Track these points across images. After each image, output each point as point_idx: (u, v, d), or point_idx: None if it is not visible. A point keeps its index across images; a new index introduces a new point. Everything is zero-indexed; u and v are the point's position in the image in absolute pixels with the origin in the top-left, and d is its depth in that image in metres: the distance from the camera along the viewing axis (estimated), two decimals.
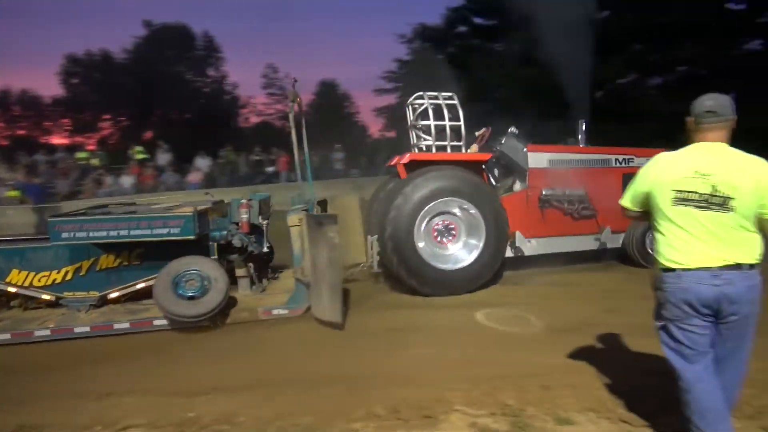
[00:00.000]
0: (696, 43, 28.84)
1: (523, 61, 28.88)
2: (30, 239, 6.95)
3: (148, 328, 6.05)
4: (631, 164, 8.25)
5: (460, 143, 7.68)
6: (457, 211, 7.17)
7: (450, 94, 7.83)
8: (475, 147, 8.23)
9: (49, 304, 6.51)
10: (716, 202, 2.48)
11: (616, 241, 8.10)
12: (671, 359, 2.68)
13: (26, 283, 6.40)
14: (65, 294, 6.47)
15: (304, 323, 5.79)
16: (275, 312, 6.37)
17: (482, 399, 3.70)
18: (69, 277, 6.47)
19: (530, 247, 7.71)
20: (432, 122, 7.60)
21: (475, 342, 4.99)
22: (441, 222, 7.15)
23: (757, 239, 2.55)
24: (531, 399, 3.65)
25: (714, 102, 2.57)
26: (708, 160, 2.54)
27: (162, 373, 4.65)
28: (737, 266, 2.49)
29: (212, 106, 39.39)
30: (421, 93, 7.89)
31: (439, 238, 7.18)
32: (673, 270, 2.58)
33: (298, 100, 7.20)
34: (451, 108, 7.71)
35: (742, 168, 2.50)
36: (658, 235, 2.68)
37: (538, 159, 7.88)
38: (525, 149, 7.87)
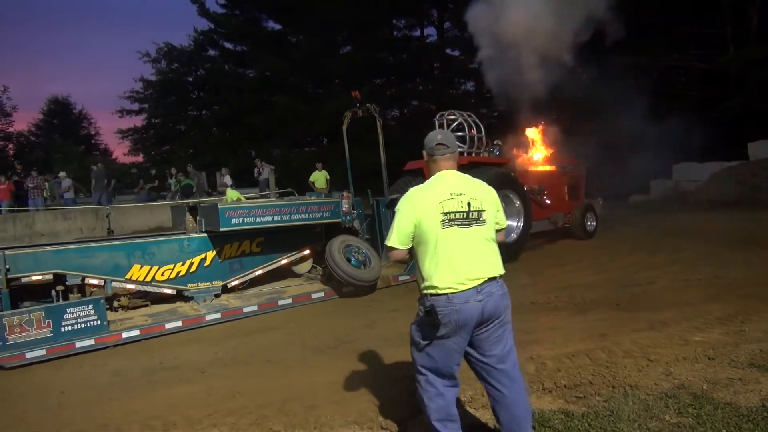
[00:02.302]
0: (423, 80, 32.99)
1: (276, 88, 29.50)
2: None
3: (307, 302, 7.14)
4: (566, 168, 11.99)
5: (481, 150, 10.14)
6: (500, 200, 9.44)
7: (470, 113, 10.29)
8: (486, 154, 10.37)
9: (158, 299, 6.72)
10: (474, 216, 2.75)
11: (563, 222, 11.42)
12: (426, 373, 2.81)
13: (148, 278, 6.38)
14: (189, 286, 6.68)
15: (56, 371, 4.98)
16: (401, 278, 8.12)
17: (250, 430, 3.61)
18: (194, 268, 6.66)
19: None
20: (467, 133, 9.87)
21: (239, 373, 4.85)
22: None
23: (498, 250, 2.85)
24: (297, 421, 3.67)
25: (443, 136, 2.91)
26: (456, 183, 2.82)
27: None
28: (494, 279, 2.74)
29: None
30: (452, 110, 10.19)
31: None
32: (444, 294, 2.67)
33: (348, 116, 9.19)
34: (475, 122, 10.06)
35: (481, 186, 2.89)
36: (428, 263, 2.73)
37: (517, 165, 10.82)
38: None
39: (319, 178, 16.45)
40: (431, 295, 2.71)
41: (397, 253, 2.84)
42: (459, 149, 10.08)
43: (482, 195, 2.83)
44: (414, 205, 2.77)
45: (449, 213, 2.71)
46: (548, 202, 11.13)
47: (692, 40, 20.92)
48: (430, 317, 2.69)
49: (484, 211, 2.78)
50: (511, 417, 2.80)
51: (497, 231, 2.89)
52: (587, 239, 11.38)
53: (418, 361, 2.84)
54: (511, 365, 2.81)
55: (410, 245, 2.81)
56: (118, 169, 29.34)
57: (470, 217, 2.74)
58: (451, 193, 2.75)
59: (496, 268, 2.77)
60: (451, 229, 2.70)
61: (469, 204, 2.75)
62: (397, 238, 2.78)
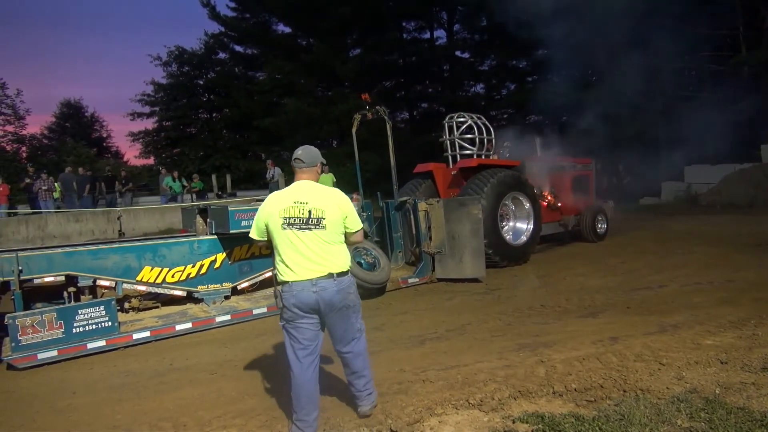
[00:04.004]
0: (433, 83, 32.97)
1: (286, 91, 29.59)
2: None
3: None
4: (576, 169, 11.94)
5: (490, 152, 10.21)
6: (509, 202, 9.47)
7: (479, 115, 10.31)
8: (495, 156, 10.39)
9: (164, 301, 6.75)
10: (313, 222, 3.27)
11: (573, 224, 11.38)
12: (288, 352, 3.37)
13: (158, 280, 6.41)
14: (199, 288, 6.70)
15: (54, 374, 5.01)
16: (410, 281, 8.06)
17: None
18: (204, 270, 6.69)
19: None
20: (477, 136, 9.98)
21: (249, 375, 4.86)
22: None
23: (344, 250, 3.41)
24: None
25: (302, 152, 3.41)
26: (303, 193, 3.33)
27: None
28: (330, 275, 3.28)
29: None
30: (461, 113, 10.17)
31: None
32: (286, 282, 3.27)
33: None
34: (485, 125, 10.14)
35: (327, 196, 3.36)
36: (276, 257, 3.34)
37: (529, 166, 10.62)
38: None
39: (325, 180, 16.51)
40: (278, 282, 3.33)
41: (259, 243, 3.51)
42: (474, 151, 10.50)
43: (326, 205, 3.32)
44: (265, 207, 3.37)
45: (288, 218, 3.27)
46: (559, 204, 11.07)
47: (704, 42, 20.74)
48: (276, 300, 3.34)
49: (324, 218, 3.29)
50: (353, 372, 3.61)
51: (352, 233, 3.47)
52: (598, 242, 11.34)
53: (285, 342, 3.40)
54: (351, 345, 3.52)
55: (266, 238, 3.40)
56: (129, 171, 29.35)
57: (310, 223, 3.27)
58: (294, 201, 3.29)
59: (332, 266, 3.31)
60: (289, 231, 3.26)
61: (309, 212, 3.27)
62: (255, 231, 3.45)
